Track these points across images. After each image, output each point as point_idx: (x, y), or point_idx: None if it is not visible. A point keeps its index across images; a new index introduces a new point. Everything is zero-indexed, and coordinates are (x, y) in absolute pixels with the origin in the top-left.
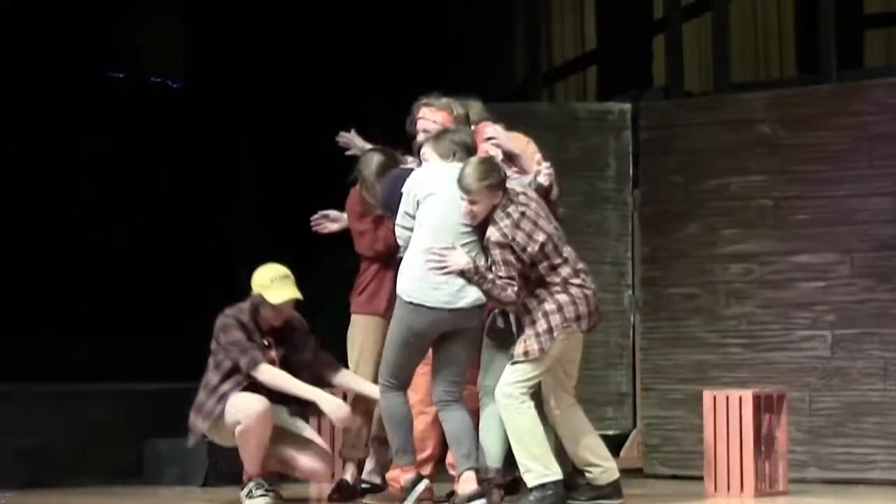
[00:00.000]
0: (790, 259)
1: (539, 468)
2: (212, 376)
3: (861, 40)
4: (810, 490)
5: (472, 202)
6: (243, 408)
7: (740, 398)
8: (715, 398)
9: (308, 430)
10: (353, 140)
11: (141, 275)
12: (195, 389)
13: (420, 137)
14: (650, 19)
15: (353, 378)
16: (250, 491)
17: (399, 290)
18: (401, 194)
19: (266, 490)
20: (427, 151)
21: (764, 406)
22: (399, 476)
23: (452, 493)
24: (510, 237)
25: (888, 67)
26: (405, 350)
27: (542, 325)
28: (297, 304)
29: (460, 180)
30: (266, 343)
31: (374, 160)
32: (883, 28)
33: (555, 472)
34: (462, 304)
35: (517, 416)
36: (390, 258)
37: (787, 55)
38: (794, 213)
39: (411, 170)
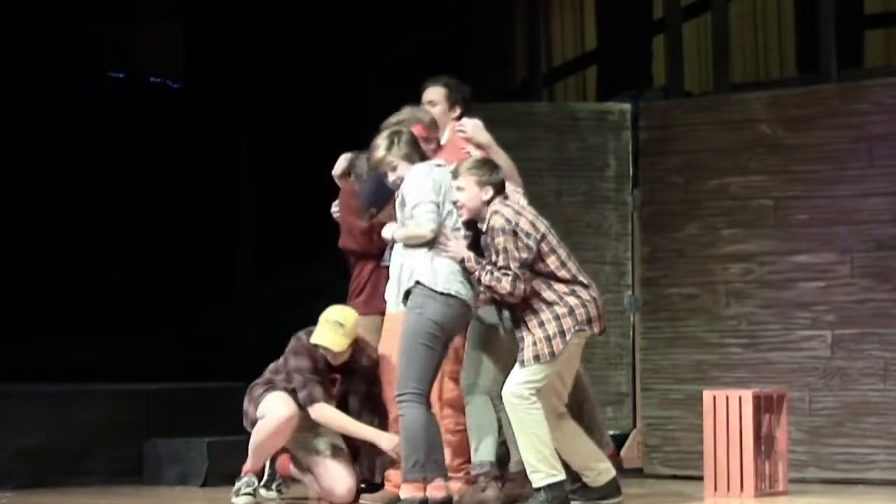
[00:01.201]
0: (790, 259)
1: (547, 469)
2: (269, 373)
3: (861, 40)
4: (810, 490)
5: (458, 188)
6: (272, 407)
7: (740, 398)
8: (715, 398)
9: (344, 453)
10: (349, 161)
11: (141, 275)
12: (195, 389)
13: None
14: (650, 19)
15: None
16: (238, 489)
17: (428, 283)
18: (389, 191)
19: (253, 492)
20: (400, 165)
21: (764, 406)
22: (400, 485)
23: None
24: (514, 222)
25: (888, 67)
26: (430, 349)
27: (552, 329)
28: (294, 303)
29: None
30: (333, 379)
31: (365, 160)
32: (883, 28)
33: (561, 473)
34: (471, 301)
35: (526, 418)
36: (381, 255)
37: (787, 55)
38: (794, 213)
39: None
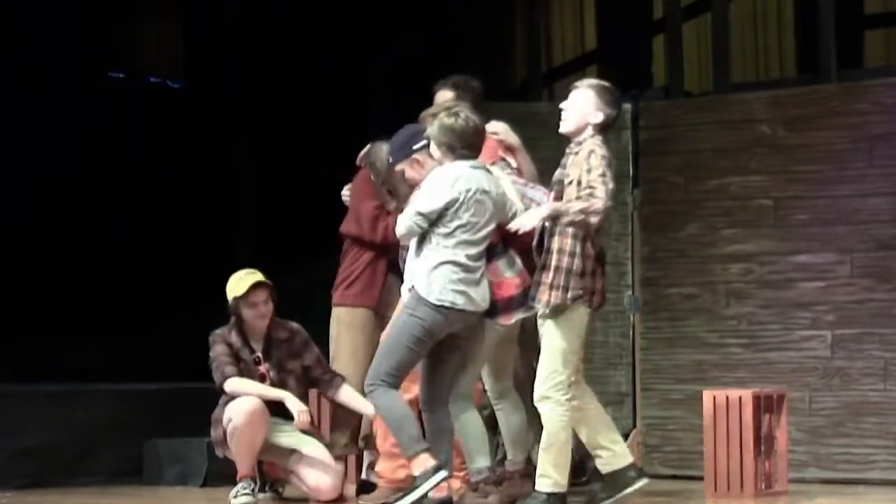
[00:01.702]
0: (790, 259)
1: (557, 477)
2: (223, 399)
3: (861, 40)
4: (810, 490)
5: (573, 102)
6: (235, 407)
7: (740, 398)
8: (715, 398)
9: (319, 448)
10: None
11: (141, 275)
12: (195, 389)
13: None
14: (650, 19)
15: (354, 395)
16: (237, 493)
17: (422, 292)
18: (411, 151)
19: (251, 492)
20: (431, 145)
21: (764, 406)
22: (396, 478)
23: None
24: (610, 161)
25: (888, 67)
26: (415, 350)
27: (557, 280)
28: (292, 303)
29: None
30: (256, 358)
31: (385, 150)
32: (883, 28)
33: (566, 485)
34: (475, 308)
35: (557, 424)
36: (386, 250)
37: (787, 55)
38: (794, 213)
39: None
